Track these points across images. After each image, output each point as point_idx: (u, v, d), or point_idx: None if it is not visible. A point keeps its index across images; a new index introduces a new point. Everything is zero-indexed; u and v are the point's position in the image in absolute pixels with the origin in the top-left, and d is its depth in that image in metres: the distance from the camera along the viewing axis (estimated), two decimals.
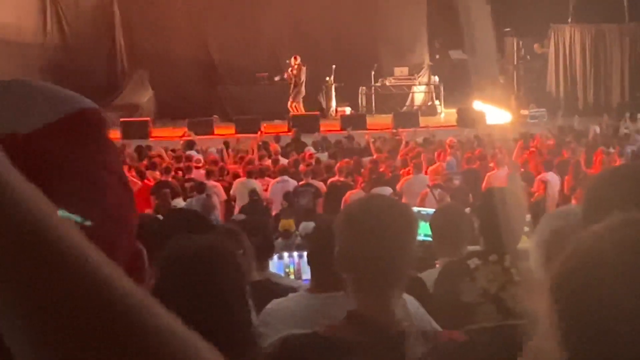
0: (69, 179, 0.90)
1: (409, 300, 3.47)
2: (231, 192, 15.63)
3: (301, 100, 28.54)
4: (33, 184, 0.80)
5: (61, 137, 0.95)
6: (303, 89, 28.58)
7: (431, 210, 7.72)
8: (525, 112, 27.70)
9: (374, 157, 18.44)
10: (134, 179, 15.41)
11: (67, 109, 0.99)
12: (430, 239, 5.58)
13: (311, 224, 10.26)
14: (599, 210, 2.14)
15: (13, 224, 0.77)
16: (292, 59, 28.47)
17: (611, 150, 18.09)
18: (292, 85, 28.41)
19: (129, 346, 0.78)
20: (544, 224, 3.33)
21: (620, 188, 2.20)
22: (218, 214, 14.16)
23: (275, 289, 4.78)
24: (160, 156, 18.96)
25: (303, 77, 28.47)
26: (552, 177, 15.21)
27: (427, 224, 5.66)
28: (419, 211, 9.01)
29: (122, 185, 1.05)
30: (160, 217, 9.20)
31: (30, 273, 0.77)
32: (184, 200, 14.46)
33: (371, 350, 2.65)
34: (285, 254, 7.71)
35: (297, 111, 28.03)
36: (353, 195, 13.30)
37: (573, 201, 11.91)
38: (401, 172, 16.28)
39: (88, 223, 0.84)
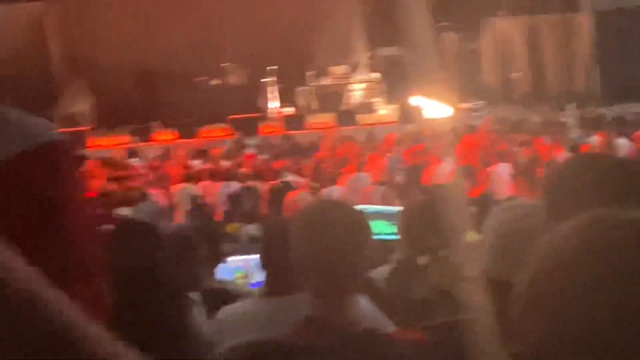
0: (37, 204, 0.92)
1: (362, 300, 3.46)
2: (173, 199, 15.46)
3: None
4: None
5: (34, 164, 0.96)
6: None
7: (383, 208, 7.76)
8: (465, 105, 27.78)
9: (316, 156, 18.40)
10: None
11: (40, 139, 1.01)
12: (382, 237, 5.60)
13: (255, 227, 10.24)
14: (564, 204, 2.15)
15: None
16: None
17: (550, 139, 18.19)
18: None
19: None
20: (494, 217, 3.30)
21: (583, 180, 2.21)
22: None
23: (225, 295, 4.74)
24: (97, 167, 18.71)
25: None
26: (500, 169, 14.93)
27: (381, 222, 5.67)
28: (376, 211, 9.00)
29: (84, 206, 1.06)
30: (104, 227, 9.09)
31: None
32: (128, 208, 14.28)
33: (330, 354, 2.63)
34: (233, 259, 7.65)
35: None
36: (295, 196, 13.22)
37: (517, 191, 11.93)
38: (343, 170, 16.23)
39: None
